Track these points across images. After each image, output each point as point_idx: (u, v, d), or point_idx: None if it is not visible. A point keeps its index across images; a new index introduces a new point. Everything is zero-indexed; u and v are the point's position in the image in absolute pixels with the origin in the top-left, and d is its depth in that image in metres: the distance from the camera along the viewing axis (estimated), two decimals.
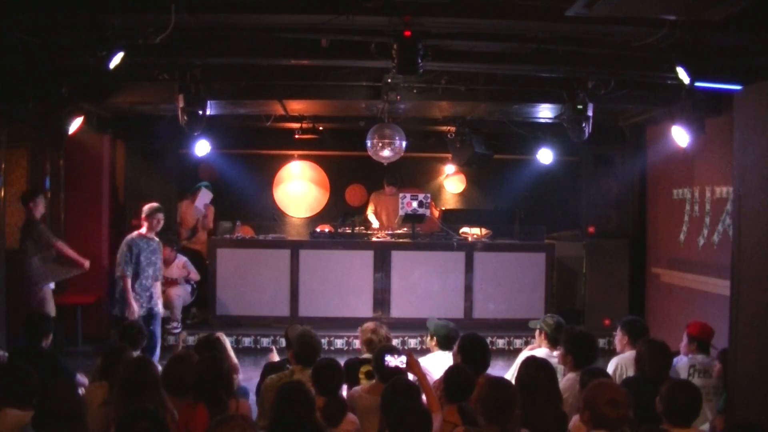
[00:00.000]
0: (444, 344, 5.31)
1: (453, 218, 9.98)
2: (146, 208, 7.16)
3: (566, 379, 4.57)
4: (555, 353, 5.06)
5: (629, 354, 4.91)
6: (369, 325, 5.29)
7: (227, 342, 5.18)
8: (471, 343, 4.61)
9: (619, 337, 5.17)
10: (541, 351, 5.14)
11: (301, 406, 3.37)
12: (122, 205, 9.41)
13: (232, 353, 5.16)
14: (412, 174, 10.99)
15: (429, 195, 9.63)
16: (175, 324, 8.61)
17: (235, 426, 2.89)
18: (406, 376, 4.23)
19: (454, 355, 4.66)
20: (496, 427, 3.36)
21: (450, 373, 4.02)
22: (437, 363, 5.01)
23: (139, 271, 6.99)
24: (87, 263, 7.62)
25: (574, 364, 4.59)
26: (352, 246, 9.16)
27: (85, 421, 4.00)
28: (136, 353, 4.81)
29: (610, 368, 4.90)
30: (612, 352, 5.27)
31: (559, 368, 4.81)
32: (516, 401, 3.45)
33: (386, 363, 4.24)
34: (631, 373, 4.71)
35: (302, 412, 3.36)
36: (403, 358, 4.25)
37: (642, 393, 3.83)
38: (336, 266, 8.99)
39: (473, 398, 3.77)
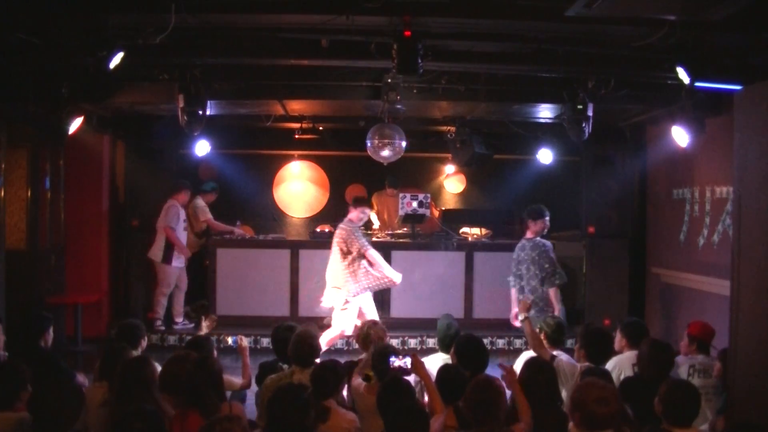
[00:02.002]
0: (443, 345, 5.31)
1: (453, 218, 9.98)
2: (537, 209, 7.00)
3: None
4: (554, 353, 5.06)
5: (627, 355, 4.93)
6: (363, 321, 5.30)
7: (246, 351, 5.15)
8: (467, 344, 4.61)
9: (618, 339, 5.18)
10: None
11: (292, 410, 3.35)
12: (122, 205, 9.41)
13: (248, 365, 5.12)
14: (412, 174, 10.98)
15: (429, 195, 9.63)
16: (179, 320, 8.82)
17: (223, 428, 2.90)
18: (409, 377, 4.24)
19: (451, 357, 4.66)
20: (484, 428, 3.36)
21: (440, 373, 4.03)
22: (437, 364, 5.01)
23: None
24: (398, 279, 7.44)
25: (586, 359, 4.67)
26: None
27: (83, 420, 4.01)
28: (136, 353, 4.80)
29: (608, 366, 4.91)
30: (613, 352, 5.27)
31: (559, 369, 4.81)
32: (501, 402, 3.44)
33: (391, 364, 4.23)
34: (628, 373, 4.72)
35: (294, 415, 3.34)
36: (408, 360, 4.25)
37: (643, 393, 3.83)
38: None
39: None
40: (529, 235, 7.00)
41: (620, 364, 4.88)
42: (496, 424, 3.39)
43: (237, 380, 4.91)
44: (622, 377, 4.71)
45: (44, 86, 6.78)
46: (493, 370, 5.20)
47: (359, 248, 7.30)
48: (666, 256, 8.64)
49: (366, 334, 5.14)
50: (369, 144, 8.26)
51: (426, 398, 4.23)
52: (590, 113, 7.05)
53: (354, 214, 7.49)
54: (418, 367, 4.21)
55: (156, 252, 8.71)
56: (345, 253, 7.34)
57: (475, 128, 9.20)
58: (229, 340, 5.13)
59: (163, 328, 8.72)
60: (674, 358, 4.62)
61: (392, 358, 4.25)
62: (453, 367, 4.20)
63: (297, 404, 3.38)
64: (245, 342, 5.18)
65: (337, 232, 7.50)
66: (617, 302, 9.00)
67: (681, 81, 5.67)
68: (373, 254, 7.35)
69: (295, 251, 9.05)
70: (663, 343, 4.55)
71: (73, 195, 8.73)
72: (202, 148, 8.79)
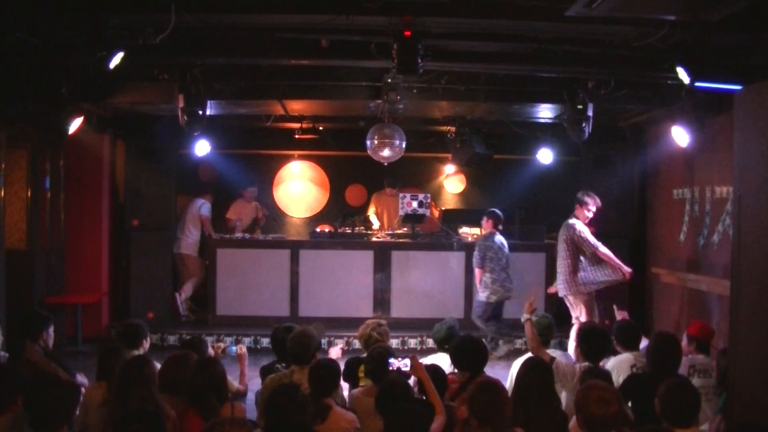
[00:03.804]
0: (441, 345, 5.32)
1: (453, 218, 9.98)
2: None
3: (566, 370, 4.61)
4: (553, 354, 5.06)
5: (626, 356, 4.95)
6: (368, 322, 5.32)
7: (245, 359, 5.14)
8: (464, 344, 4.62)
9: (615, 342, 5.21)
10: None
11: (289, 410, 3.33)
12: (122, 205, 9.41)
13: (245, 373, 5.12)
14: (412, 174, 10.98)
15: (429, 195, 9.63)
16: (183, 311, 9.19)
17: (224, 431, 2.91)
18: (409, 378, 4.24)
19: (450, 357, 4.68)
20: (488, 428, 3.37)
21: (431, 374, 4.05)
22: (441, 364, 5.01)
23: None
24: (628, 271, 7.40)
25: (583, 357, 4.68)
26: (352, 246, 9.16)
27: (83, 420, 4.00)
28: (137, 352, 4.80)
29: (607, 367, 4.92)
30: (614, 352, 5.28)
31: (557, 370, 4.81)
32: (505, 402, 3.45)
33: (390, 366, 4.24)
34: (626, 374, 4.73)
35: (292, 415, 3.33)
36: (407, 362, 4.25)
37: (651, 388, 3.82)
38: (336, 266, 8.99)
39: (457, 398, 3.79)
40: None
41: (618, 366, 4.88)
42: (502, 424, 3.39)
43: (236, 385, 4.91)
44: (620, 379, 4.71)
45: (44, 86, 6.77)
46: (493, 371, 5.22)
47: (589, 246, 7.33)
48: (666, 256, 8.63)
49: (368, 335, 5.15)
50: (369, 144, 8.26)
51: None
52: (590, 113, 7.06)
53: (580, 212, 7.47)
54: (417, 369, 4.22)
55: (193, 246, 9.41)
56: (571, 251, 7.38)
57: (475, 128, 9.21)
58: (228, 342, 5.15)
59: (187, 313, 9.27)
60: (681, 350, 4.62)
61: (391, 360, 4.26)
62: (434, 367, 4.23)
63: (294, 403, 3.37)
64: (244, 350, 5.18)
65: (563, 230, 7.51)
66: (617, 302, 8.96)
67: (681, 81, 5.67)
68: (604, 251, 7.35)
69: (295, 251, 9.05)
70: (669, 335, 4.56)
71: (73, 195, 8.73)
72: (202, 148, 8.79)
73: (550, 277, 9.16)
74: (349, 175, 11.12)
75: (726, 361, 4.19)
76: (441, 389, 4.01)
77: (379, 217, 10.10)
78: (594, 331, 4.87)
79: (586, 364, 4.64)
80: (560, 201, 10.43)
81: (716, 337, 5.07)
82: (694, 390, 3.66)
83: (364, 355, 5.13)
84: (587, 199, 7.43)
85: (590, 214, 7.48)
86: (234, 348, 5.24)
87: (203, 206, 9.54)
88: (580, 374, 4.44)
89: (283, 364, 4.91)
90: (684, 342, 5.06)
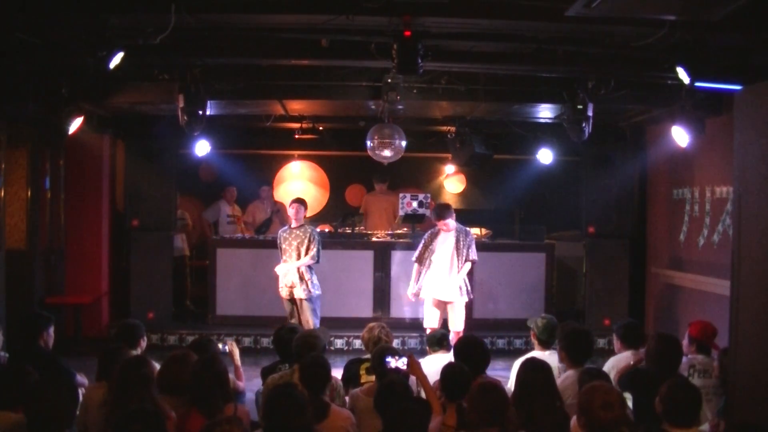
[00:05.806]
0: (432, 342, 5.33)
1: None
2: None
3: (565, 377, 4.58)
4: (547, 353, 5.05)
5: (625, 355, 4.95)
6: (371, 325, 5.33)
7: (236, 354, 5.12)
8: (467, 344, 4.62)
9: (615, 342, 5.20)
10: (535, 353, 5.13)
11: (289, 410, 3.33)
12: (122, 205, 9.41)
13: (239, 367, 5.10)
14: (412, 174, 10.99)
15: (429, 195, 9.63)
16: None
17: (223, 430, 2.91)
18: (407, 377, 4.23)
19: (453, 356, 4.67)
20: (494, 428, 3.37)
21: (445, 370, 4.04)
22: (437, 364, 5.01)
23: None
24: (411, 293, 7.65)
25: (569, 361, 4.63)
26: (352, 246, 9.17)
27: (83, 420, 4.00)
28: (135, 352, 4.80)
29: (606, 367, 4.92)
30: (612, 352, 5.28)
31: (557, 367, 4.81)
32: (508, 402, 3.45)
33: (387, 364, 4.24)
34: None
35: (292, 416, 3.33)
36: (405, 360, 4.25)
37: (650, 388, 3.82)
38: (336, 266, 8.99)
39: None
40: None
41: (618, 366, 4.88)
42: (506, 423, 3.39)
43: (236, 382, 4.90)
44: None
45: (44, 86, 6.78)
46: (494, 372, 5.22)
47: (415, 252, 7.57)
48: (666, 256, 8.64)
49: (378, 338, 5.14)
50: (369, 144, 8.26)
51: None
52: (590, 113, 7.05)
53: (437, 220, 7.47)
54: (414, 368, 4.21)
55: None
56: None
57: (475, 128, 9.20)
58: (220, 346, 5.12)
59: None
60: (681, 351, 4.62)
61: (388, 359, 4.26)
62: (458, 365, 4.20)
63: (294, 403, 3.37)
64: (234, 346, 5.15)
65: None
66: (617, 302, 8.99)
67: (681, 81, 5.67)
68: (415, 266, 7.53)
69: None
70: (668, 336, 4.55)
71: (73, 195, 8.74)
72: (202, 148, 8.78)
73: (551, 277, 9.19)
74: (349, 175, 11.13)
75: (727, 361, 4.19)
76: (464, 391, 3.97)
77: (371, 219, 10.07)
78: (575, 332, 4.79)
79: (578, 368, 4.61)
80: (560, 201, 10.48)
81: (717, 337, 5.06)
82: (696, 391, 3.66)
83: (366, 356, 5.13)
84: (447, 213, 7.40)
85: (440, 224, 7.42)
86: (225, 346, 5.19)
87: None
88: (579, 376, 4.43)
89: (286, 365, 4.91)
90: (685, 342, 5.06)
